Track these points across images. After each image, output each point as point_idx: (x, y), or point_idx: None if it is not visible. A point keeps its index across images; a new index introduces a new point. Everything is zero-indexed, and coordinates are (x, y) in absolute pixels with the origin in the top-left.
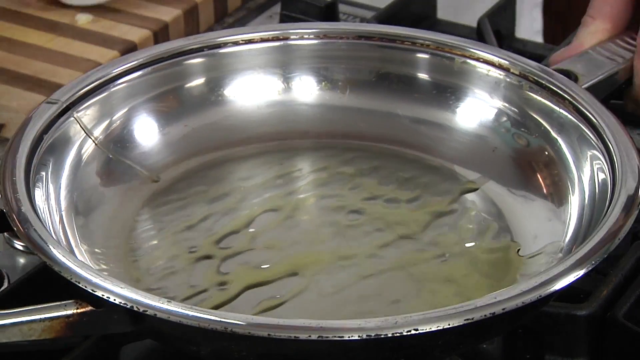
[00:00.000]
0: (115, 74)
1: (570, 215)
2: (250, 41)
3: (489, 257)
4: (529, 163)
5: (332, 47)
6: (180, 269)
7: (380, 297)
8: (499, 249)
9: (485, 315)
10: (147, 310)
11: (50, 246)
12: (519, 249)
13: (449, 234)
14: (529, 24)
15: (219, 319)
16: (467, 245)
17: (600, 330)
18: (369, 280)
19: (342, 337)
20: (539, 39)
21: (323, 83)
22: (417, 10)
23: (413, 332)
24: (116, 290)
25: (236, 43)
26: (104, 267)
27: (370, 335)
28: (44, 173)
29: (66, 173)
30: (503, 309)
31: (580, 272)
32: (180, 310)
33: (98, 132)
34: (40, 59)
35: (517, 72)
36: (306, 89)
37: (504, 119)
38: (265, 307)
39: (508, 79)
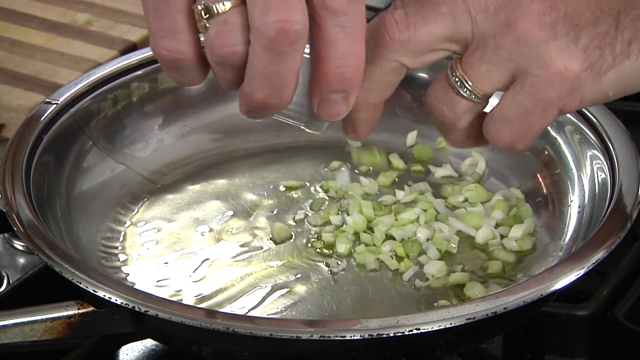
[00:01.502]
0: (115, 73)
1: (570, 215)
2: None
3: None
4: (529, 162)
5: None
6: (181, 268)
7: (390, 289)
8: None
9: (486, 315)
10: (148, 311)
11: (51, 246)
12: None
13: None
14: None
15: (220, 319)
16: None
17: (600, 330)
18: (376, 273)
19: (344, 336)
20: None
21: None
22: None
23: (415, 331)
24: (118, 291)
25: None
26: (104, 267)
27: (372, 335)
28: (44, 173)
29: (66, 173)
30: (504, 309)
31: (580, 272)
32: (181, 310)
33: (97, 132)
34: (40, 59)
35: None
36: None
37: None
38: (270, 306)
39: None
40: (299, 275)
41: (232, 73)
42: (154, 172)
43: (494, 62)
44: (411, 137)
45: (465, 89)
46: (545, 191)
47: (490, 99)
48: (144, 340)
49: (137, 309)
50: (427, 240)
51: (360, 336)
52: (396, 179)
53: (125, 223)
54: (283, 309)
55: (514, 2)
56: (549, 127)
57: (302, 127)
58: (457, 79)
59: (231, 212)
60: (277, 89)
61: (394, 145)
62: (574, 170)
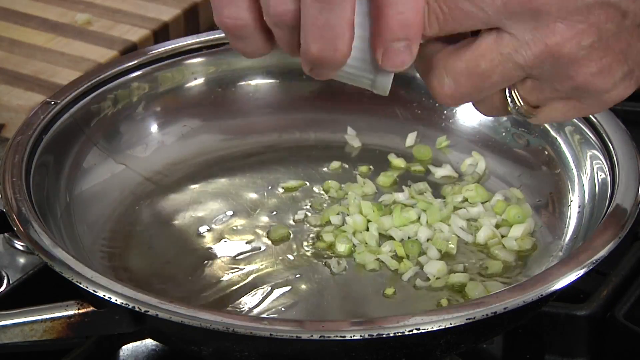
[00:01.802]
0: (115, 74)
1: (570, 215)
2: None
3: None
4: (529, 162)
5: None
6: (181, 268)
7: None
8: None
9: (486, 315)
10: (148, 311)
11: (51, 246)
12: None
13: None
14: None
15: (220, 319)
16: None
17: (600, 330)
18: (376, 273)
19: (344, 336)
20: None
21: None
22: None
23: (415, 331)
24: (118, 291)
25: None
26: (105, 267)
27: (372, 335)
28: (44, 173)
29: (66, 173)
30: (504, 309)
31: (580, 272)
32: (182, 310)
33: (97, 132)
34: (40, 59)
35: None
36: (305, 89)
37: (504, 118)
38: (270, 306)
39: None
40: (298, 275)
41: (290, 34)
42: (154, 172)
43: (550, 98)
44: (411, 137)
45: (521, 116)
46: (545, 190)
47: None
48: (144, 340)
49: (137, 309)
50: (427, 240)
51: (360, 336)
52: (397, 179)
53: (126, 223)
54: (283, 309)
55: (570, 59)
56: (549, 127)
57: (368, 88)
58: (517, 109)
59: (231, 212)
60: (330, 41)
61: (394, 145)
62: (574, 170)
